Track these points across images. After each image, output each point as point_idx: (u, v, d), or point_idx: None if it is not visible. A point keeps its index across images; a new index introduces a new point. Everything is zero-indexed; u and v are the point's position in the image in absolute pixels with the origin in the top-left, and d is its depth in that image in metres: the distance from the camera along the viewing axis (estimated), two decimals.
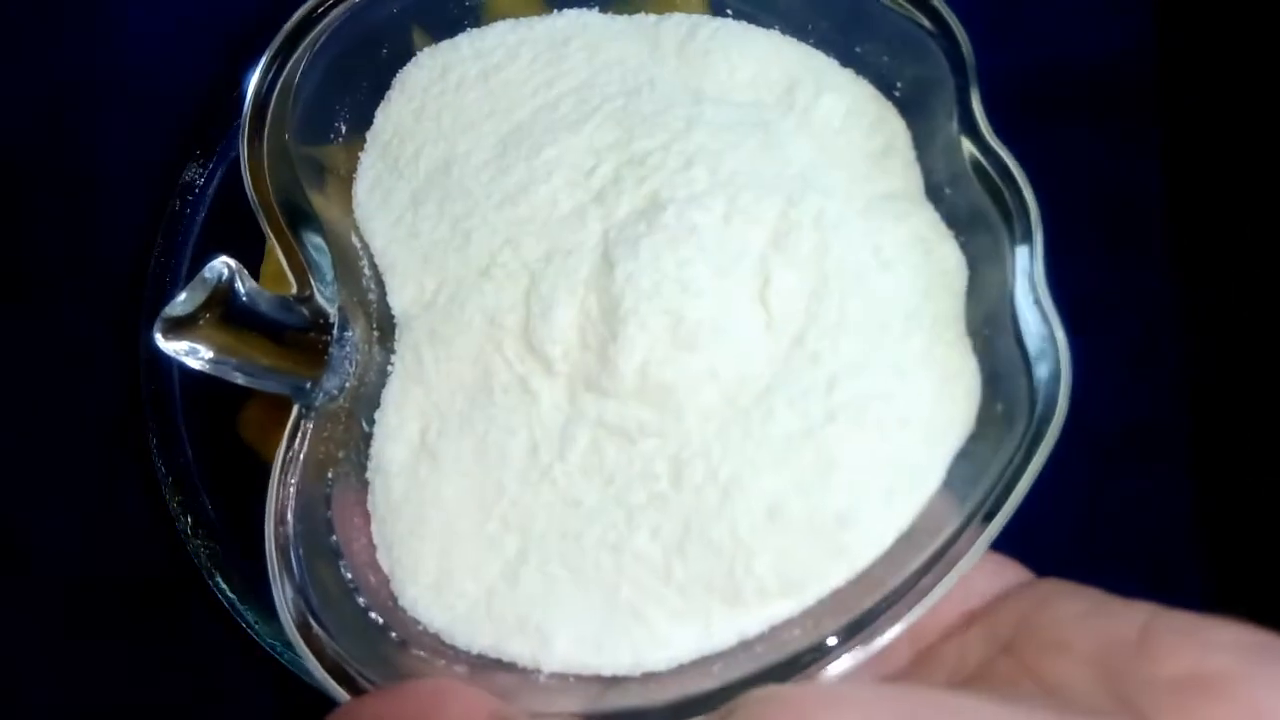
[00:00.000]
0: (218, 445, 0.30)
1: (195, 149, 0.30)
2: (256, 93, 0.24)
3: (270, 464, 0.23)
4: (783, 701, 0.17)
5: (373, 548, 0.24)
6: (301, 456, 0.23)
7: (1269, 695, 0.17)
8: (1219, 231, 0.33)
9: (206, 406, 0.30)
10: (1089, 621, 0.19)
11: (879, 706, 0.16)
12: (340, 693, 0.21)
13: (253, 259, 0.28)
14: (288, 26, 0.25)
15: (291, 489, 0.23)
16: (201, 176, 0.31)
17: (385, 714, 0.19)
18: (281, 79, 0.25)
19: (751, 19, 0.27)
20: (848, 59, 0.26)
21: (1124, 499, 0.32)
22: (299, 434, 0.23)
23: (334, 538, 0.24)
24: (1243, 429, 0.32)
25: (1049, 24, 0.34)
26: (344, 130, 0.27)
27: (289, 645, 0.27)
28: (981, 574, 0.21)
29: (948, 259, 0.24)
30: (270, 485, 0.22)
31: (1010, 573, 0.22)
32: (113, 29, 0.33)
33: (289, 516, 0.22)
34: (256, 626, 0.29)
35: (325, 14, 0.25)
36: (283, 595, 0.22)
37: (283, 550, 0.22)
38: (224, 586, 0.29)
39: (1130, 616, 0.19)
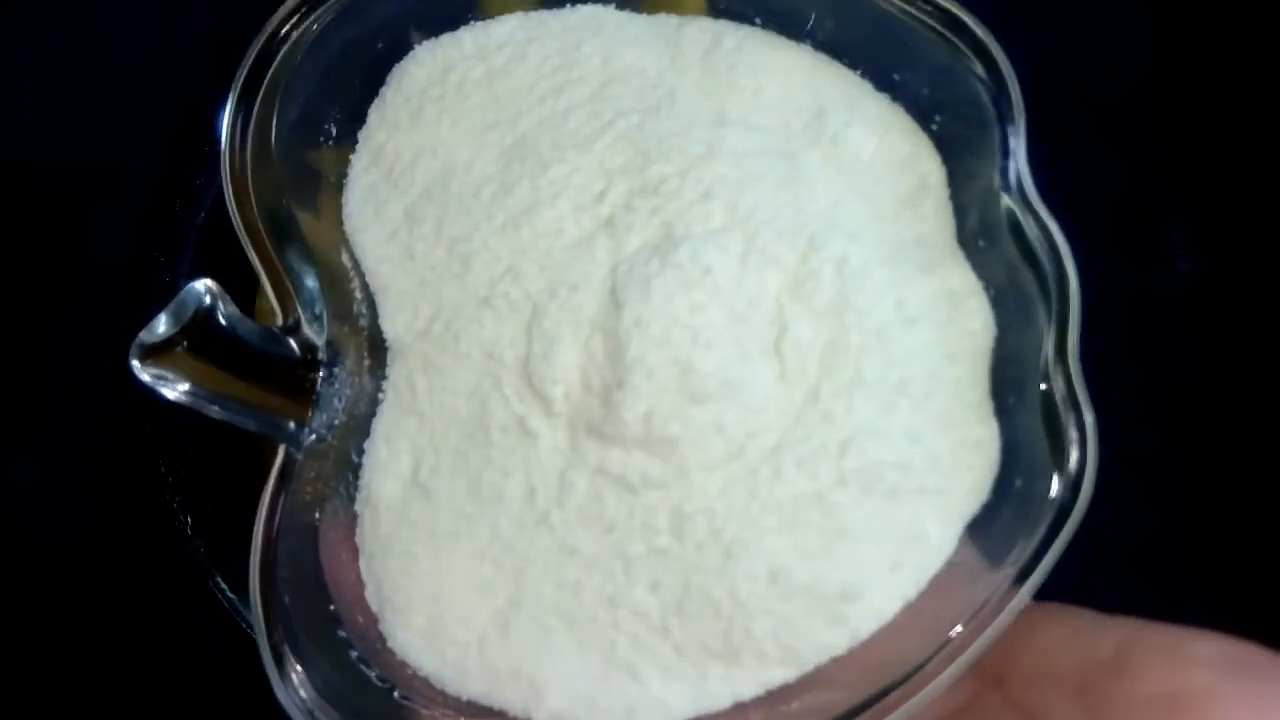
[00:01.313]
0: (218, 445, 0.30)
1: (195, 150, 0.29)
2: (233, 119, 0.22)
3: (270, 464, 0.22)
4: None
5: (361, 584, 0.23)
6: (289, 501, 0.22)
7: (1240, 711, 0.17)
8: (1219, 236, 0.32)
9: None
10: (1071, 644, 0.19)
11: None
12: None
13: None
14: (274, 19, 0.23)
15: (277, 534, 0.22)
16: (201, 176, 0.30)
17: None
18: (265, 83, 0.23)
19: (781, 31, 0.25)
20: (883, 85, 0.24)
21: (1120, 501, 0.31)
22: (285, 478, 0.22)
23: (321, 578, 0.23)
24: (1243, 435, 0.32)
25: (1050, 30, 0.33)
26: (334, 132, 0.25)
27: None
28: None
29: (975, 317, 0.23)
30: (255, 531, 0.22)
31: None
32: (113, 27, 0.33)
33: (274, 562, 0.22)
34: None
35: (316, 6, 0.23)
36: (267, 646, 0.21)
37: (269, 600, 0.21)
38: (224, 586, 0.29)
39: (1109, 635, 0.19)
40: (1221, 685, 0.17)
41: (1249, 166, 0.32)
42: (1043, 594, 0.20)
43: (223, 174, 0.22)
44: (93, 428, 0.32)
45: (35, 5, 0.32)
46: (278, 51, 0.23)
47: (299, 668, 0.21)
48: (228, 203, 0.22)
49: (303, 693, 0.21)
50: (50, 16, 0.32)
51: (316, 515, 0.23)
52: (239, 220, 0.22)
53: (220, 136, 0.22)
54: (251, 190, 0.22)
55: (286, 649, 0.21)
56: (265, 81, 0.22)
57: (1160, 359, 0.32)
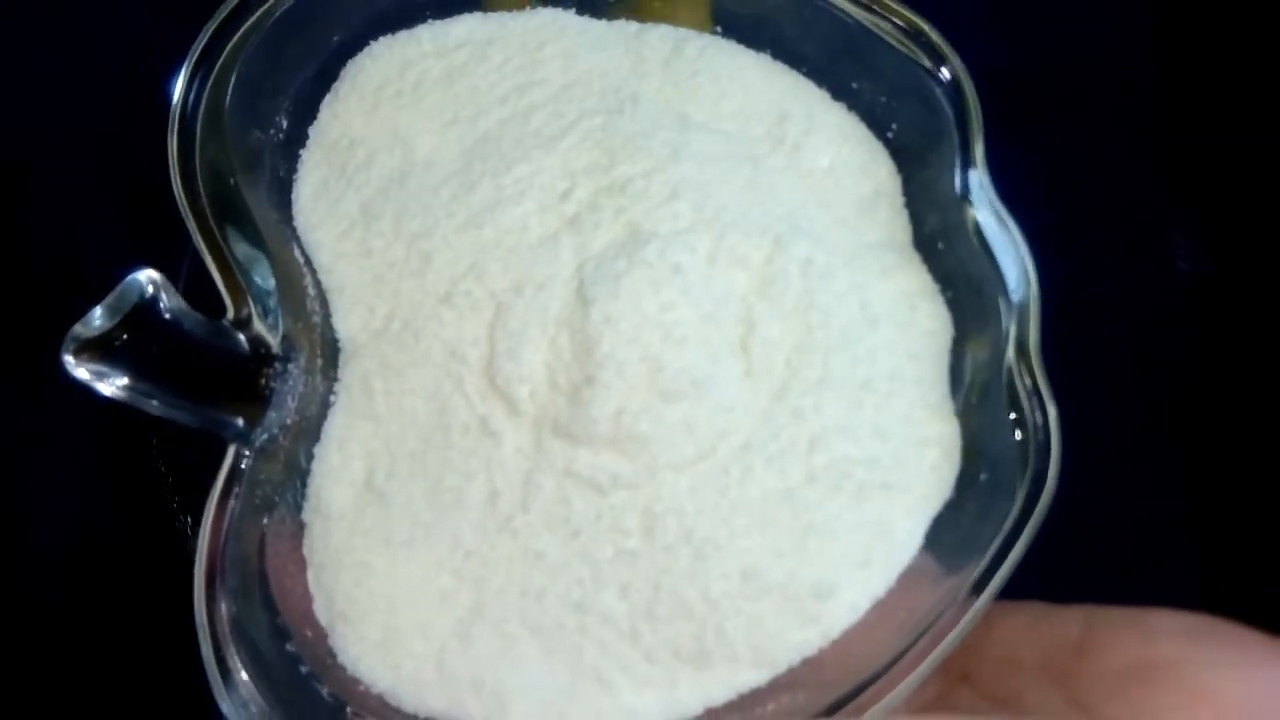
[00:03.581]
0: (219, 445, 0.29)
1: None
2: (187, 85, 0.21)
3: None
4: None
5: (309, 597, 0.22)
6: (239, 503, 0.21)
7: (1212, 675, 0.17)
8: (1221, 233, 0.33)
9: None
10: (1032, 632, 0.20)
11: None
12: None
13: None
14: (227, 7, 0.22)
15: (225, 539, 0.20)
16: None
17: None
18: (217, 68, 0.22)
19: (741, 39, 0.25)
20: (840, 93, 0.25)
21: (1120, 500, 0.32)
22: (234, 479, 0.21)
23: (268, 588, 0.21)
24: (1244, 435, 0.32)
25: (1050, 30, 0.34)
26: (285, 125, 0.24)
27: None
28: None
29: (933, 318, 0.23)
30: (200, 535, 0.20)
31: None
32: (113, 27, 0.32)
33: (221, 570, 0.20)
34: None
35: None
36: (212, 658, 0.20)
37: (214, 609, 0.20)
38: None
39: (1070, 619, 0.19)
40: (1192, 652, 0.17)
41: (1251, 167, 0.32)
42: (1041, 594, 0.21)
43: (169, 150, 0.21)
44: (92, 428, 0.31)
45: (34, 4, 0.32)
46: (237, 29, 0.22)
47: (245, 679, 0.20)
48: (173, 182, 0.21)
49: (253, 708, 0.19)
50: (50, 16, 0.32)
51: (265, 521, 0.21)
52: (184, 199, 0.21)
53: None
54: (199, 165, 0.21)
55: (236, 661, 0.20)
56: (221, 58, 0.22)
57: (1161, 359, 0.32)
